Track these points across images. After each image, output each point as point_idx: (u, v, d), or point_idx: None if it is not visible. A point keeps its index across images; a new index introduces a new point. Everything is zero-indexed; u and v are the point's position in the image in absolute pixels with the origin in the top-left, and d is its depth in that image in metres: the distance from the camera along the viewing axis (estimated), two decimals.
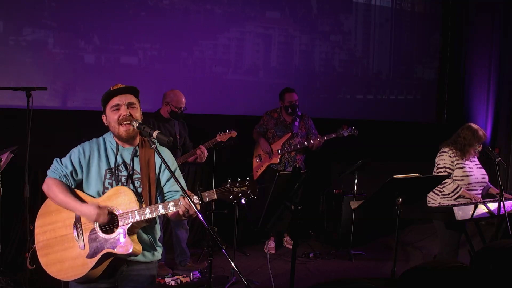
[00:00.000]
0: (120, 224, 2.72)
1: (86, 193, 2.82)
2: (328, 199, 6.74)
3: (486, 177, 4.89)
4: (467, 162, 4.79)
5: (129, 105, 2.80)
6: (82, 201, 2.78)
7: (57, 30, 5.39)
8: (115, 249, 2.71)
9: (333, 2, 7.35)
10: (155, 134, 2.69)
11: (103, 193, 2.79)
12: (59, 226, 2.81)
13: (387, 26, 7.85)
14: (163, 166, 2.89)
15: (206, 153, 5.18)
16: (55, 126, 5.33)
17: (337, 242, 6.32)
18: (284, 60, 7.00)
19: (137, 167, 2.84)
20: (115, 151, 2.84)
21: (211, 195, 2.68)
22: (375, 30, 7.75)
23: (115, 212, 2.74)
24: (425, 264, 3.21)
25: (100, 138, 2.89)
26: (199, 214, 2.62)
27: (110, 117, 2.79)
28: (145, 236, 2.84)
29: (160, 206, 2.71)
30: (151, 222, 2.82)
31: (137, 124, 2.75)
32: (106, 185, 2.80)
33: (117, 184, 2.80)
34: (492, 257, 2.90)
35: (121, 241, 2.71)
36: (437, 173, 4.78)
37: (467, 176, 4.73)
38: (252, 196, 2.70)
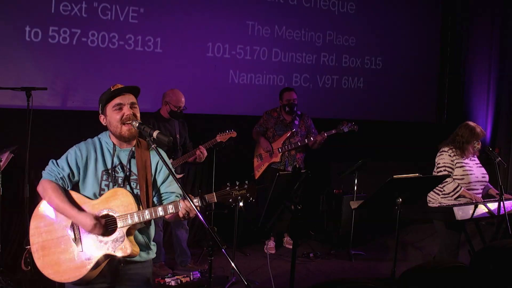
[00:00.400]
0: (119, 226, 2.71)
1: (82, 194, 2.78)
2: (328, 199, 6.74)
3: (487, 176, 4.89)
4: (467, 161, 4.80)
5: (132, 105, 2.79)
6: (79, 205, 2.73)
7: (57, 30, 5.38)
8: (115, 252, 2.71)
9: (335, 1, 7.35)
10: (155, 134, 2.69)
11: (100, 194, 2.77)
12: (56, 228, 2.77)
13: (387, 25, 7.84)
14: (158, 167, 2.88)
15: (205, 153, 5.19)
16: (55, 126, 5.33)
17: (337, 242, 6.32)
18: (284, 60, 6.99)
19: (134, 168, 2.83)
20: (111, 152, 2.82)
21: (211, 198, 2.71)
22: (376, 30, 7.74)
23: (113, 214, 2.72)
24: (425, 264, 3.21)
25: (96, 139, 2.86)
26: (199, 214, 2.63)
27: (112, 116, 2.77)
28: (140, 237, 2.84)
29: (160, 209, 2.71)
30: (147, 223, 2.82)
31: (137, 124, 2.75)
32: (103, 186, 2.78)
33: (113, 186, 2.78)
34: (492, 257, 2.90)
35: (120, 243, 2.71)
36: (437, 172, 4.78)
37: (467, 175, 4.73)
38: (251, 199, 2.73)
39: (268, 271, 4.57)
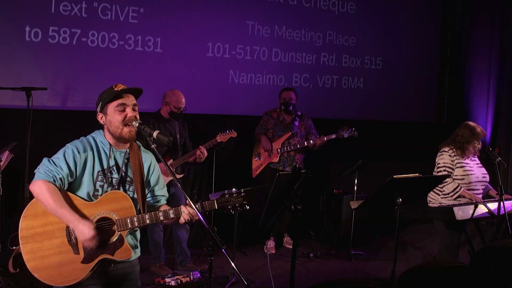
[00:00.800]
0: (118, 230, 2.70)
1: (76, 194, 2.71)
2: (328, 199, 6.74)
3: (487, 176, 4.89)
4: (467, 161, 4.79)
5: (134, 106, 2.78)
6: (77, 209, 2.65)
7: (57, 30, 5.38)
8: (114, 255, 2.70)
9: (335, 1, 7.35)
10: (155, 134, 2.69)
11: (94, 195, 2.73)
12: (50, 230, 2.65)
13: (387, 25, 7.84)
14: (150, 169, 2.90)
15: (205, 153, 5.19)
16: (55, 126, 5.33)
17: (337, 242, 6.32)
18: (284, 60, 6.99)
19: (129, 170, 2.82)
20: (107, 152, 2.78)
21: (212, 205, 2.79)
22: (376, 30, 7.74)
23: (111, 217, 2.71)
24: (425, 264, 3.21)
25: (90, 138, 2.80)
26: (199, 215, 2.64)
27: (114, 117, 2.73)
28: (129, 238, 2.83)
29: (160, 214, 2.74)
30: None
31: (137, 124, 2.73)
32: (97, 187, 2.74)
33: (108, 187, 2.76)
34: (492, 257, 2.90)
35: (119, 247, 2.70)
36: (437, 172, 4.78)
37: (468, 175, 4.73)
38: (247, 207, 2.83)
39: (268, 271, 4.57)
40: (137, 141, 2.82)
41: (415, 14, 8.15)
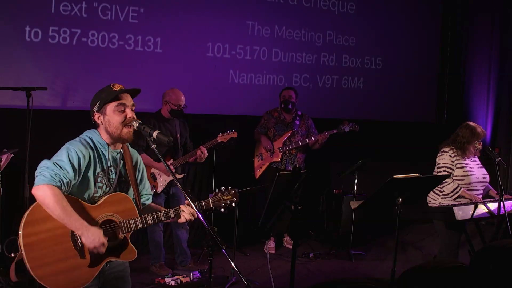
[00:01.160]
0: (122, 232, 2.71)
1: (78, 197, 2.67)
2: (328, 199, 6.74)
3: (487, 176, 4.88)
4: (467, 161, 4.79)
5: (132, 106, 2.78)
6: (81, 212, 2.60)
7: (57, 30, 5.38)
8: (120, 257, 2.72)
9: (335, 1, 7.35)
10: (155, 134, 2.69)
11: (93, 196, 2.71)
12: (55, 235, 2.57)
13: (387, 25, 7.84)
14: (139, 168, 2.93)
15: (206, 153, 5.20)
16: (55, 126, 5.33)
17: (337, 242, 6.32)
18: (284, 60, 6.99)
19: (124, 170, 2.83)
20: (106, 153, 2.76)
21: (207, 204, 2.89)
22: (376, 30, 7.74)
23: (116, 220, 2.71)
24: (425, 264, 3.21)
25: (87, 138, 2.75)
26: (199, 214, 2.65)
27: (114, 117, 2.71)
28: None
29: (162, 214, 2.77)
30: None
31: (137, 124, 2.73)
32: (97, 188, 2.72)
33: (107, 187, 2.75)
34: (492, 257, 2.90)
35: (125, 249, 2.73)
36: (438, 172, 4.78)
37: (468, 175, 4.73)
38: (232, 205, 2.95)
39: (268, 271, 4.57)
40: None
41: (415, 14, 8.14)
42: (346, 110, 7.48)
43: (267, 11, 6.81)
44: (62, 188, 2.57)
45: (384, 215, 5.33)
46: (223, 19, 6.47)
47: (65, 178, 2.57)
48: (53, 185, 2.53)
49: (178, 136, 5.25)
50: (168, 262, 5.37)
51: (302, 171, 3.46)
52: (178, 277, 4.96)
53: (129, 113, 2.74)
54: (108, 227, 2.68)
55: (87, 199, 2.70)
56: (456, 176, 4.72)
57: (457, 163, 4.74)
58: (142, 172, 2.95)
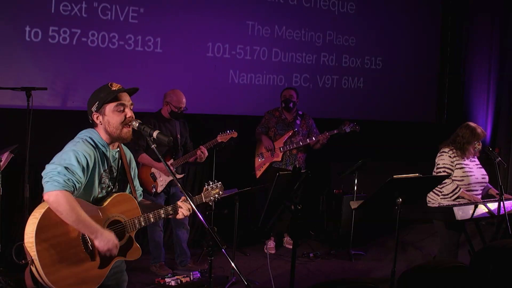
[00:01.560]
0: (128, 231, 2.75)
1: (84, 199, 2.66)
2: (328, 199, 6.74)
3: (486, 177, 4.88)
4: (467, 162, 4.79)
5: (130, 106, 2.78)
6: (90, 215, 2.60)
7: (57, 30, 5.38)
8: (126, 256, 2.75)
9: (335, 1, 7.35)
10: (155, 134, 2.69)
11: (97, 197, 2.72)
12: (66, 240, 2.58)
13: (387, 25, 7.84)
14: (132, 165, 2.96)
15: (206, 153, 5.20)
16: (55, 126, 5.33)
17: (337, 242, 6.32)
18: (284, 60, 6.99)
19: (122, 169, 2.85)
20: (107, 153, 2.76)
21: (200, 199, 3.06)
22: (376, 30, 7.74)
23: (122, 220, 2.74)
24: (425, 264, 3.21)
25: (88, 138, 2.72)
26: (199, 214, 2.64)
27: (113, 117, 2.70)
28: None
29: (162, 211, 2.82)
30: None
31: (137, 124, 2.73)
32: (100, 188, 2.73)
33: (108, 187, 2.76)
34: (492, 257, 2.90)
35: (130, 248, 2.76)
36: (437, 173, 4.77)
37: (467, 176, 4.73)
38: (218, 198, 3.18)
39: (268, 271, 4.57)
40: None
41: (415, 14, 8.14)
42: (346, 110, 7.48)
43: (267, 11, 6.81)
44: (75, 192, 2.57)
45: (384, 215, 5.33)
46: (223, 19, 6.47)
47: (78, 183, 2.56)
48: (67, 191, 2.52)
49: (178, 136, 5.25)
50: (168, 262, 5.37)
51: (302, 171, 3.46)
52: (178, 277, 4.96)
53: (129, 113, 2.74)
54: (116, 227, 2.71)
55: (92, 199, 2.71)
56: (456, 176, 4.72)
57: (456, 164, 4.74)
58: (135, 169, 2.98)
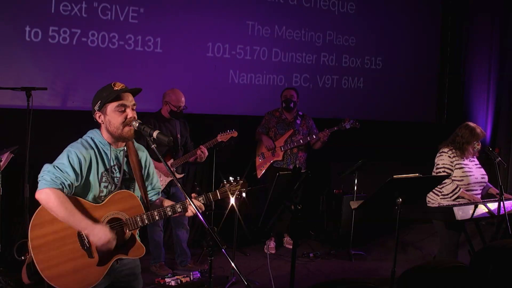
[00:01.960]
0: (129, 229, 2.73)
1: (84, 198, 2.70)
2: (328, 199, 6.74)
3: (486, 177, 4.88)
4: (466, 162, 4.79)
5: (133, 106, 2.77)
6: (88, 213, 2.64)
7: (57, 30, 5.38)
8: (128, 254, 2.74)
9: (335, 1, 7.35)
10: (155, 134, 2.69)
11: (99, 196, 2.73)
12: (61, 236, 2.62)
13: (387, 25, 7.84)
14: (147, 163, 2.93)
15: (206, 153, 5.20)
16: (55, 126, 5.33)
17: (337, 242, 6.32)
18: (284, 60, 6.99)
19: (128, 168, 2.83)
20: (108, 152, 2.77)
21: (215, 196, 2.85)
22: (376, 30, 7.74)
23: (122, 218, 2.73)
24: (425, 264, 3.21)
25: (88, 139, 2.77)
26: (199, 214, 2.64)
27: (114, 117, 2.72)
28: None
29: (168, 209, 2.77)
30: None
31: (137, 124, 2.73)
32: (102, 188, 2.74)
33: (111, 187, 2.76)
34: (492, 257, 2.90)
35: (132, 246, 2.74)
36: (437, 173, 4.77)
37: (467, 176, 4.73)
38: (242, 195, 2.90)
39: (268, 271, 4.57)
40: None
41: (415, 14, 8.14)
42: (346, 110, 7.47)
43: (267, 11, 6.81)
44: (64, 190, 2.61)
45: (384, 215, 5.34)
46: (223, 19, 6.47)
47: (66, 181, 2.61)
48: (55, 188, 2.58)
49: (178, 136, 5.25)
50: (168, 262, 5.37)
51: (302, 171, 3.46)
52: (178, 277, 4.96)
53: (130, 113, 2.74)
54: (115, 225, 2.71)
55: (92, 199, 2.72)
56: (455, 176, 4.72)
57: (456, 164, 4.74)
58: (149, 168, 2.94)
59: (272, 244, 6.18)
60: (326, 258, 6.00)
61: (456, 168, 4.73)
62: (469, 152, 4.78)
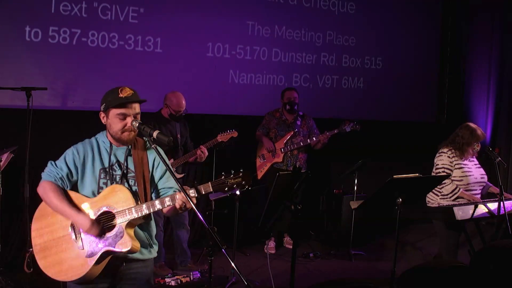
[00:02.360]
0: (118, 222, 2.74)
1: (81, 193, 2.84)
2: (328, 199, 6.74)
3: (485, 177, 4.88)
4: (466, 162, 4.79)
5: (136, 115, 2.80)
6: (78, 205, 2.79)
7: (57, 30, 5.38)
8: (114, 247, 2.73)
9: (335, 1, 7.35)
10: (155, 134, 2.70)
11: (98, 192, 2.82)
12: (56, 228, 2.82)
13: (387, 25, 7.84)
14: (155, 163, 2.92)
15: (206, 153, 5.19)
16: (55, 126, 5.33)
17: (337, 242, 6.32)
18: (284, 60, 6.99)
19: (131, 165, 2.87)
20: (108, 150, 2.86)
21: (206, 188, 2.72)
22: (376, 30, 7.74)
23: (111, 211, 2.75)
24: (425, 264, 3.22)
25: (93, 139, 2.91)
26: (197, 211, 2.62)
27: (114, 122, 2.79)
28: (141, 233, 2.88)
29: (157, 202, 2.74)
30: (146, 218, 2.86)
31: (137, 124, 2.76)
32: (101, 185, 2.83)
33: (111, 183, 2.82)
34: (492, 257, 2.90)
35: (119, 239, 2.73)
36: (436, 173, 4.77)
37: (466, 176, 4.73)
38: (247, 187, 2.68)
39: (268, 271, 4.57)
40: (144, 137, 2.80)
41: (415, 14, 8.14)
42: (346, 110, 7.48)
43: (267, 11, 6.81)
44: (58, 183, 2.81)
45: (384, 215, 5.34)
46: (223, 19, 6.47)
47: (58, 174, 2.81)
48: (49, 181, 2.81)
49: (178, 136, 5.25)
50: (168, 262, 5.37)
51: (302, 171, 3.46)
52: (178, 277, 4.96)
53: (129, 123, 2.78)
54: (105, 217, 2.77)
55: (91, 195, 2.83)
56: (455, 176, 4.72)
57: (455, 164, 4.74)
58: (159, 168, 2.92)
59: (272, 244, 6.18)
60: (326, 258, 6.00)
61: (455, 168, 4.73)
62: (469, 153, 4.77)
